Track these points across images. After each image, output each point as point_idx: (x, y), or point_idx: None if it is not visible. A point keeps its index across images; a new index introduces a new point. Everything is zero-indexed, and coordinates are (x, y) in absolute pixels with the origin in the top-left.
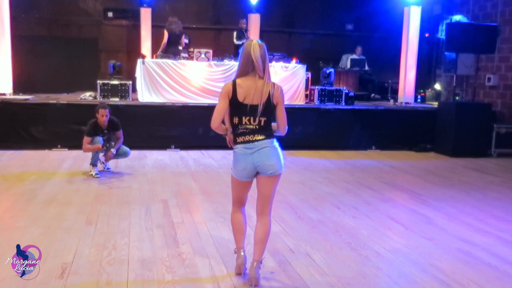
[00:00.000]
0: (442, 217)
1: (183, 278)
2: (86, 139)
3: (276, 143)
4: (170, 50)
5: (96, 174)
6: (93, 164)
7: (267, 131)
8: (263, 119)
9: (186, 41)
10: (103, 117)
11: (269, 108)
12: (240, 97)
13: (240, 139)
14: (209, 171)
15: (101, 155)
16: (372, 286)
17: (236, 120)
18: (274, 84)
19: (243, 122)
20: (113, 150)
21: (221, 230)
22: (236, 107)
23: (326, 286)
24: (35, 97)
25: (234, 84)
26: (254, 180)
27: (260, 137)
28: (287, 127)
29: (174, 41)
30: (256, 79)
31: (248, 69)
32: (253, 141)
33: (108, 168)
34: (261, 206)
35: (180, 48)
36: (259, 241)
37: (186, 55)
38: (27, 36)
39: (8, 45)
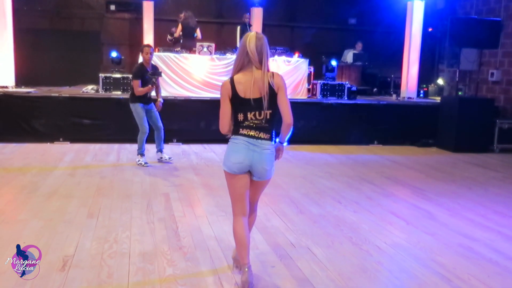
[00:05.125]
0: (443, 212)
1: (184, 271)
2: (136, 82)
3: (272, 146)
4: (186, 43)
5: (145, 163)
6: (141, 153)
7: (271, 130)
8: (268, 112)
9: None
10: (147, 54)
11: (273, 98)
12: (241, 93)
13: (244, 131)
14: (211, 165)
15: (159, 156)
16: (373, 281)
17: (241, 116)
18: (273, 72)
19: (249, 118)
20: (160, 99)
21: (222, 224)
22: (239, 103)
23: (327, 281)
24: (37, 90)
25: (231, 81)
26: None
27: (265, 136)
28: (292, 118)
29: (189, 34)
30: (253, 70)
31: (244, 61)
32: (257, 138)
33: (169, 158)
34: (250, 204)
35: (198, 38)
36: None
37: (206, 49)
38: (29, 29)
39: (11, 38)
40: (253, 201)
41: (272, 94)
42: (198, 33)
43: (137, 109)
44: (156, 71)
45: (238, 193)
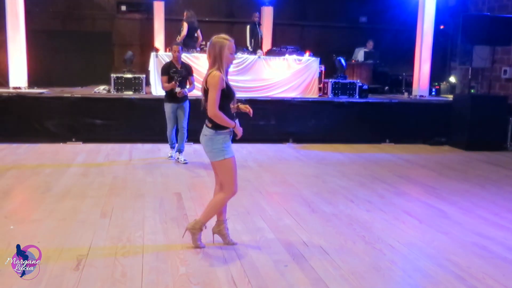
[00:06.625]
0: (457, 211)
1: (197, 270)
2: (163, 78)
3: (212, 133)
4: (189, 43)
5: (170, 157)
6: (170, 147)
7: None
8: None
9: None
10: (175, 52)
11: (207, 93)
12: None
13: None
14: None
15: (176, 156)
16: (386, 280)
17: None
18: (212, 72)
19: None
20: (186, 89)
21: (235, 222)
22: None
23: (340, 280)
24: (50, 90)
25: None
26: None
27: (208, 125)
28: (212, 112)
29: (192, 34)
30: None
31: None
32: (205, 126)
33: (185, 161)
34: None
35: (199, 40)
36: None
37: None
38: (41, 30)
39: (23, 40)
40: (220, 182)
41: (205, 89)
42: (198, 34)
43: (165, 106)
44: (177, 69)
45: None
